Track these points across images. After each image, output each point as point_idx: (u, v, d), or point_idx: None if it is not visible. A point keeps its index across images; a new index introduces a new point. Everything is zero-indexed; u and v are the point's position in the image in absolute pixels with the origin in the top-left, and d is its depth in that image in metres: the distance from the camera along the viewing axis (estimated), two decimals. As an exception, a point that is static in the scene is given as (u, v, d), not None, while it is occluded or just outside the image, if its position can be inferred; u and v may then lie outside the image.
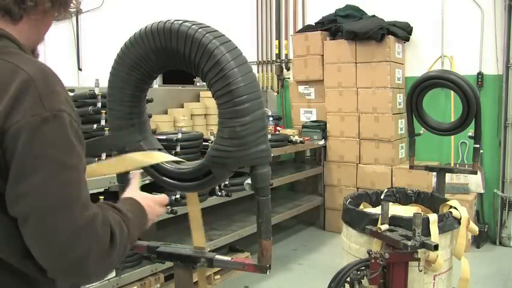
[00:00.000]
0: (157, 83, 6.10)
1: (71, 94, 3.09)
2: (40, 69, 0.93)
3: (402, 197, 2.98)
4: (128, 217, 1.03)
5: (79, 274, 0.91)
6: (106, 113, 1.88)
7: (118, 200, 1.16)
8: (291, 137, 4.65)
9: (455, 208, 2.50)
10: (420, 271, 2.26)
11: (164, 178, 1.57)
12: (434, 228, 2.31)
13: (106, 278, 2.75)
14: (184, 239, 3.16)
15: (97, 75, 3.22)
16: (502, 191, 4.66)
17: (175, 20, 1.37)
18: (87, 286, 2.37)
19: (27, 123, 0.86)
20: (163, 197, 1.26)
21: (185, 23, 1.35)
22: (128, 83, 1.53)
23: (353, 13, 5.19)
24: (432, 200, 2.85)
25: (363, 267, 2.20)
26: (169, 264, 2.80)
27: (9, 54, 0.94)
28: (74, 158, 0.91)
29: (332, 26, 5.19)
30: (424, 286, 2.34)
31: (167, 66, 1.47)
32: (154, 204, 1.20)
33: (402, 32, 4.94)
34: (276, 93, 6.04)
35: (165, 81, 6.42)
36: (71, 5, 1.08)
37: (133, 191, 1.22)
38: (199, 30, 1.33)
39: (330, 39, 5.22)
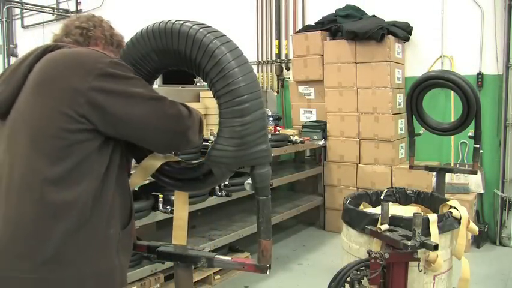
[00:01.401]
0: (157, 83, 6.08)
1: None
2: (82, 48, 1.38)
3: (402, 197, 2.98)
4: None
5: (187, 141, 1.38)
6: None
7: None
8: (291, 137, 4.65)
9: (455, 208, 2.50)
10: (420, 271, 2.26)
11: (165, 178, 1.57)
12: (434, 228, 2.31)
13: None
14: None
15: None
16: (502, 191, 4.66)
17: (176, 20, 1.37)
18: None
19: (99, 74, 1.24)
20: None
21: (187, 23, 1.35)
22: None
23: (353, 13, 5.19)
24: (432, 200, 2.85)
25: (363, 267, 2.20)
26: (169, 264, 2.80)
27: (69, 47, 1.38)
28: (130, 72, 1.32)
29: (332, 26, 5.19)
30: (424, 286, 2.34)
31: (168, 66, 1.47)
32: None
33: (402, 32, 4.94)
34: (276, 93, 6.04)
35: (165, 81, 6.39)
36: (121, 43, 1.53)
37: None
38: (200, 30, 1.33)
39: (330, 39, 5.22)
